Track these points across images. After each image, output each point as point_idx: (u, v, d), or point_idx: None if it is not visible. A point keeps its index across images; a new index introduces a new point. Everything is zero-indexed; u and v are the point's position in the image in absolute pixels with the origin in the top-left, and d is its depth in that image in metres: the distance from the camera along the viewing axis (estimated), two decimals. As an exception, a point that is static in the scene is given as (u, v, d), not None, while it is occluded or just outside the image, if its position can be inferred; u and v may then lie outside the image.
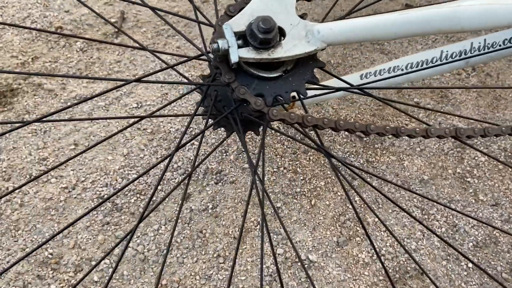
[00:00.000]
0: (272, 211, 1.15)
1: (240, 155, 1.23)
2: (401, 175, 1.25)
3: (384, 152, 1.29)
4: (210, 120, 0.80)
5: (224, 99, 0.79)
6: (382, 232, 1.16)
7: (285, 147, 1.27)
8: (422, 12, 0.57)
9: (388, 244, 1.13)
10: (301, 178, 1.21)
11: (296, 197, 1.18)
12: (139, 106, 1.26)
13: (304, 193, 1.18)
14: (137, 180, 1.13)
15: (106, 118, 0.61)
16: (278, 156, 1.24)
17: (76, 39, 1.35)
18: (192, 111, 1.28)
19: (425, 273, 0.76)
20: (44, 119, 0.61)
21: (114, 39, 1.38)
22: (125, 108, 1.25)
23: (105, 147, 1.18)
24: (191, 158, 1.19)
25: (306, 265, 1.07)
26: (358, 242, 1.13)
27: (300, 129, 0.75)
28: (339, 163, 0.84)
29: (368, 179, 1.22)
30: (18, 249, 0.99)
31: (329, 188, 1.20)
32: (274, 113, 0.60)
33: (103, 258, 0.67)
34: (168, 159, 0.70)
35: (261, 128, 0.83)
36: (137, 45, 0.73)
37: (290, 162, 1.23)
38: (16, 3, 1.40)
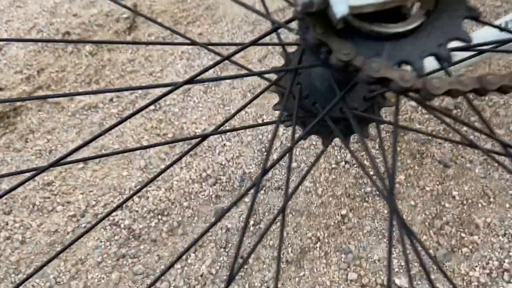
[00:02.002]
0: (336, 221, 0.85)
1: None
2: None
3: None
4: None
5: (313, 93, 0.52)
6: (500, 237, 0.80)
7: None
8: None
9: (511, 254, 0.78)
10: (371, 173, 0.89)
11: (366, 199, 0.86)
12: (157, 108, 1.03)
13: (377, 193, 0.87)
14: (159, 198, 0.90)
15: (162, 144, 0.41)
16: (336, 147, 0.94)
17: (85, 42, 1.17)
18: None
19: None
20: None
21: (126, 37, 1.18)
22: (142, 112, 1.03)
23: (119, 161, 0.96)
24: (223, 163, 0.93)
25: (393, 294, 0.75)
26: (467, 254, 0.79)
27: (446, 114, 0.45)
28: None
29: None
30: (17, 299, 0.79)
31: (413, 183, 0.87)
32: (436, 84, 0.31)
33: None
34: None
35: (380, 128, 0.54)
36: (187, 41, 0.50)
37: (353, 153, 0.92)
38: (21, 15, 1.26)
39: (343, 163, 0.91)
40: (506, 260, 0.78)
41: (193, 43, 0.50)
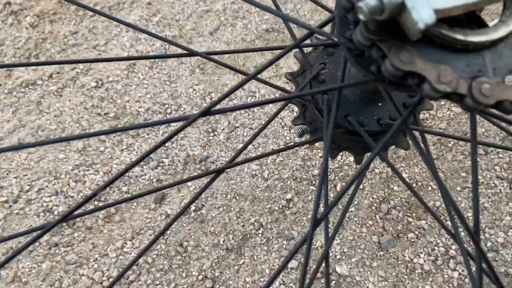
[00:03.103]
0: (280, 206, 0.81)
1: (233, 133, 0.90)
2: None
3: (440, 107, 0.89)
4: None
5: (343, 105, 0.44)
6: (448, 222, 0.77)
7: (291, 109, 0.91)
8: None
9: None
10: (320, 155, 0.85)
11: (313, 182, 0.82)
12: (99, 85, 0.97)
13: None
14: (96, 182, 0.85)
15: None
16: (285, 127, 0.89)
17: (26, 13, 1.09)
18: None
19: None
20: None
21: (70, 7, 1.09)
22: (82, 90, 0.96)
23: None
24: (166, 144, 0.88)
25: (334, 282, 0.73)
26: (412, 240, 0.76)
27: None
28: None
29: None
30: None
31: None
32: None
33: None
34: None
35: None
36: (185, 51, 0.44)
37: (302, 134, 0.88)
38: (-42, -17, 1.16)
39: (291, 143, 0.87)
40: (453, 247, 0.75)
41: (191, 53, 0.42)
